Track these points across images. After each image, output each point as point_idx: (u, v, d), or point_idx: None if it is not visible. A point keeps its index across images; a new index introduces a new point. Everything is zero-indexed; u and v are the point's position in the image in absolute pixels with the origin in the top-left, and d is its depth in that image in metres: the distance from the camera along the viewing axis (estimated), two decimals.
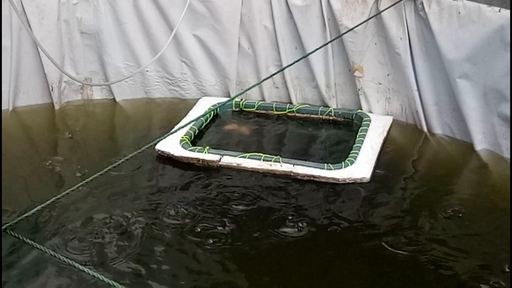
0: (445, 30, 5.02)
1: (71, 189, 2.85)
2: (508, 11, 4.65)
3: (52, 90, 5.98)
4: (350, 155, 4.97)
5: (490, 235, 4.13)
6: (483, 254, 3.92)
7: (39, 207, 2.79)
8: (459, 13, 4.93)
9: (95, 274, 2.44)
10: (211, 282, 3.72)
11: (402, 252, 3.93)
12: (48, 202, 2.82)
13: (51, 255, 2.60)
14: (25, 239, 2.59)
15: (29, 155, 5.25)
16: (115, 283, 2.31)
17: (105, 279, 2.32)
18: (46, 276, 3.69)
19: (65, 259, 2.56)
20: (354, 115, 5.69)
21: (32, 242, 2.65)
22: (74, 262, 2.53)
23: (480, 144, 5.12)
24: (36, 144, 5.54)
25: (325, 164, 4.81)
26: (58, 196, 2.87)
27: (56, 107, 6.03)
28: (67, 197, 3.33)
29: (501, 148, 4.99)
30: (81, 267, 2.54)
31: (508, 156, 4.94)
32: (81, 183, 2.89)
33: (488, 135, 5.06)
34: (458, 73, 5.03)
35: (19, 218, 2.68)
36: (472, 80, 4.99)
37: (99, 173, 2.93)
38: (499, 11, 4.69)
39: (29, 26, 5.61)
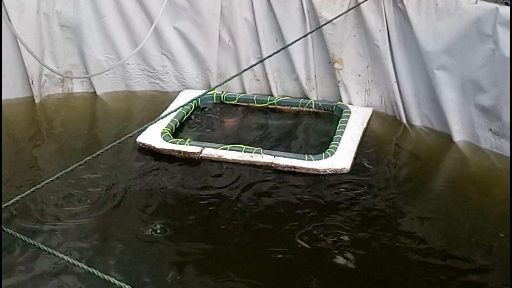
0: (423, 22, 5.08)
1: (50, 180, 2.86)
2: (485, 3, 4.72)
3: (32, 83, 5.96)
4: (331, 146, 5.02)
5: (467, 226, 4.19)
6: (459, 245, 3.97)
7: (18, 197, 2.78)
8: (437, 5, 4.99)
9: (85, 267, 2.42)
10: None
11: (379, 242, 3.99)
12: (27, 192, 2.82)
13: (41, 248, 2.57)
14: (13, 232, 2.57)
15: (9, 148, 5.22)
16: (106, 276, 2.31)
17: (95, 271, 2.32)
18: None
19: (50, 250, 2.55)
20: (335, 107, 5.74)
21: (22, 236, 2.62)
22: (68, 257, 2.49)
23: (458, 135, 5.18)
24: (16, 138, 5.51)
25: (306, 155, 4.86)
26: (37, 186, 2.87)
27: (37, 100, 6.01)
28: (44, 189, 3.32)
29: (479, 139, 5.06)
30: (72, 260, 2.51)
31: (486, 147, 5.02)
32: (59, 174, 2.89)
33: (466, 126, 5.13)
34: (436, 65, 5.09)
35: None
36: (450, 71, 5.05)
37: (78, 163, 2.94)
38: (476, 2, 4.76)
39: (9, 19, 5.58)
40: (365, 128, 5.39)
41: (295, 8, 5.69)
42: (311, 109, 5.80)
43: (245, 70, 5.11)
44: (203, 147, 4.99)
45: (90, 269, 2.35)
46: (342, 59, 5.69)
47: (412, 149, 5.32)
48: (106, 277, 2.29)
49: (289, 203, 4.41)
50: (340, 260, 3.81)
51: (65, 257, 2.40)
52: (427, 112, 5.43)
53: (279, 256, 3.84)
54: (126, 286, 2.19)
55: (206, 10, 5.91)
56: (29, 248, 3.71)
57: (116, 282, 2.22)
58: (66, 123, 5.80)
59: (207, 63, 6.13)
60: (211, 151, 4.96)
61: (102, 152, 3.11)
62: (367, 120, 5.50)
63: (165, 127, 5.25)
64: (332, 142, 5.08)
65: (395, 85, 5.46)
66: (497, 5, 4.64)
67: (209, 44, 6.06)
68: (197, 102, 5.81)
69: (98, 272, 2.27)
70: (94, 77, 6.13)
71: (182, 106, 4.88)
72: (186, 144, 5.03)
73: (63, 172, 2.92)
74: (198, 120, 5.68)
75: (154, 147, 5.04)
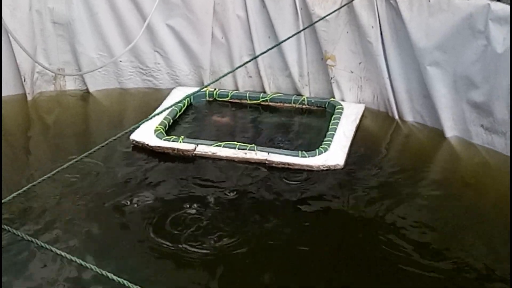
0: (416, 19, 5.10)
1: (42, 178, 2.86)
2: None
3: (24, 81, 5.94)
4: (324, 142, 5.03)
5: (459, 220, 4.21)
6: (451, 240, 4.00)
7: (15, 194, 2.78)
8: (429, 1, 5.01)
9: (82, 263, 2.43)
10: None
11: (373, 237, 4.01)
12: (20, 191, 2.82)
13: (39, 245, 2.58)
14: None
15: (2, 146, 5.19)
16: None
17: (93, 267, 2.33)
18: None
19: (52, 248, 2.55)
20: (327, 103, 5.75)
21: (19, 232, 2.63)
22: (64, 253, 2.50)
23: (450, 131, 5.21)
24: (8, 135, 5.49)
25: (300, 152, 4.87)
26: (30, 184, 2.87)
27: (29, 97, 5.99)
28: (38, 187, 3.32)
29: (471, 135, 5.08)
30: (63, 253, 2.51)
31: (478, 142, 5.05)
32: (53, 172, 2.89)
33: (458, 122, 5.15)
34: (428, 61, 5.11)
35: None
36: (442, 68, 5.07)
37: (70, 162, 2.94)
38: None
39: (1, 16, 5.55)
40: (358, 124, 5.41)
41: (288, 5, 5.69)
42: (304, 106, 5.82)
43: (238, 68, 5.13)
44: (197, 144, 5.00)
45: (87, 265, 2.37)
46: (335, 56, 5.70)
47: (404, 145, 5.35)
48: (103, 272, 2.31)
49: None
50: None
51: (63, 254, 2.42)
52: (419, 108, 5.45)
53: None
54: (126, 282, 2.21)
55: (198, 7, 5.91)
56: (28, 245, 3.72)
57: (115, 277, 2.24)
58: (58, 120, 5.80)
59: (200, 60, 6.13)
60: (204, 149, 4.96)
61: (95, 150, 3.11)
62: (359, 116, 5.52)
63: (159, 125, 5.25)
64: (326, 139, 5.09)
65: (387, 81, 5.48)
66: (489, 1, 4.66)
67: (201, 41, 6.06)
68: (190, 99, 5.81)
69: (96, 268, 2.29)
70: (86, 75, 6.11)
71: (176, 103, 4.87)
72: (180, 142, 5.03)
73: (58, 169, 2.92)
74: (191, 117, 5.69)
75: (148, 144, 5.04)
